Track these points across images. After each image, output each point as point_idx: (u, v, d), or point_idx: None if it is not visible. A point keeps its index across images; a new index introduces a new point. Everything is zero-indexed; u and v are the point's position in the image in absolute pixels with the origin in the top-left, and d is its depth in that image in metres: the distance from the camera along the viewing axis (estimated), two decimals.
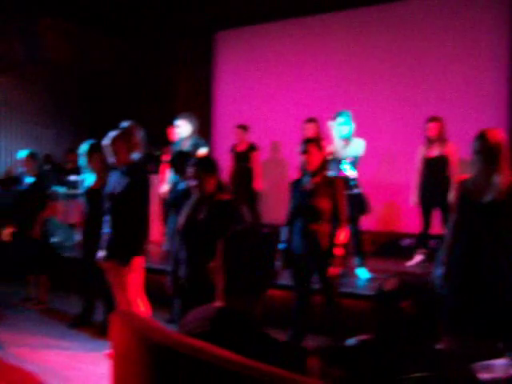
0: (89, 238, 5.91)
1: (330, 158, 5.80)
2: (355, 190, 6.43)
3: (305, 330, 5.01)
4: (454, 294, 4.03)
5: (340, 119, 6.56)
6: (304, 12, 9.59)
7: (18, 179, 8.21)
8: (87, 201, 5.95)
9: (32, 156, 6.93)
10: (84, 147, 5.87)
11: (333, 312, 4.91)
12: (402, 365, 2.05)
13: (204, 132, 8.89)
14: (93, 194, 5.87)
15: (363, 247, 6.75)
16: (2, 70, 8.35)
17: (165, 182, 7.30)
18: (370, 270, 6.69)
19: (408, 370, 2.02)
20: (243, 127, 8.52)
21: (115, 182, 4.95)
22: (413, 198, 7.14)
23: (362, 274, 6.66)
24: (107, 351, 5.26)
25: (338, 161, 6.42)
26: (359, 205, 6.48)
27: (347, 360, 2.15)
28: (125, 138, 4.91)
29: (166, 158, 7.18)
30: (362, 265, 6.70)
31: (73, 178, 9.34)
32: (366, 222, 6.99)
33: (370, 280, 6.56)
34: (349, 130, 6.55)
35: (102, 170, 5.81)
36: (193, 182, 4.18)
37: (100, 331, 5.90)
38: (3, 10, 7.34)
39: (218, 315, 2.05)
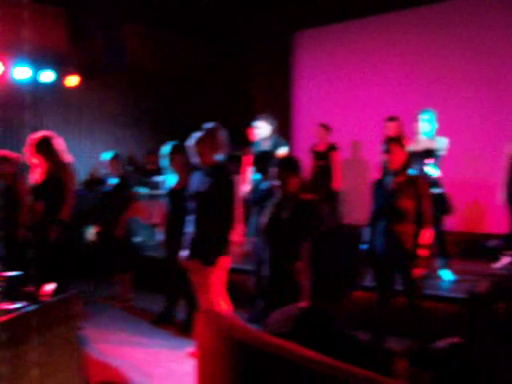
0: (171, 238, 6.01)
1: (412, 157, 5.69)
2: (437, 190, 6.28)
3: (385, 332, 4.92)
4: None
5: (423, 117, 6.43)
6: (382, 9, 9.42)
7: (102, 180, 8.44)
8: (169, 201, 6.05)
9: (116, 158, 7.10)
10: (166, 148, 5.97)
11: (415, 314, 4.80)
12: (496, 368, 1.97)
13: (283, 132, 8.87)
14: (174, 194, 5.97)
15: (447, 248, 6.58)
16: (86, 74, 8.61)
17: (246, 183, 7.34)
18: (454, 272, 6.51)
19: (502, 374, 1.94)
20: (325, 126, 8.46)
21: (199, 182, 5.00)
22: (500, 196, 6.90)
23: (446, 275, 6.49)
24: (189, 349, 5.32)
25: (420, 160, 6.29)
26: (441, 205, 6.32)
27: (437, 363, 2.08)
28: (209, 138, 4.95)
29: (247, 158, 7.22)
30: (445, 266, 6.53)
31: (154, 178, 9.51)
32: (450, 223, 6.80)
33: (453, 282, 6.39)
34: (432, 129, 6.40)
35: (184, 170, 5.89)
36: (276, 182, 4.17)
37: (182, 329, 5.99)
38: (89, 17, 7.57)
39: (303, 315, 2.03)
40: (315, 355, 1.71)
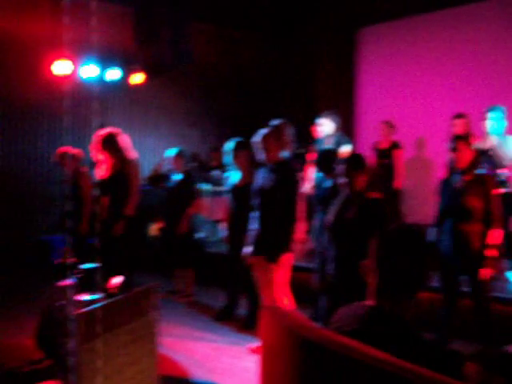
0: (234, 234, 6.05)
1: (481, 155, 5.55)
2: (506, 189, 6.11)
3: (451, 335, 4.81)
4: None
5: (492, 114, 6.26)
6: (447, 4, 9.22)
7: (165, 176, 8.56)
8: (232, 198, 6.07)
9: (180, 154, 7.16)
10: (230, 145, 6.00)
11: (482, 317, 4.68)
12: None
13: (347, 129, 8.81)
14: (238, 191, 5.99)
15: None
16: (152, 72, 8.75)
17: (309, 180, 7.30)
18: None
19: None
20: (388, 123, 8.35)
21: (264, 178, 5.01)
22: None
23: None
24: (251, 345, 5.34)
25: (488, 159, 6.13)
26: (509, 205, 6.14)
27: (510, 368, 2.02)
28: (275, 135, 4.95)
29: (311, 156, 7.19)
30: None
31: (217, 175, 9.58)
32: None
33: None
34: (501, 127, 6.23)
35: (247, 167, 5.91)
36: (342, 180, 4.13)
37: (243, 325, 6.02)
38: (155, 16, 7.68)
39: (369, 314, 2.01)
40: (382, 354, 1.69)
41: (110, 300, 1.60)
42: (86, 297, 1.92)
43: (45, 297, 2.99)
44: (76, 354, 1.42)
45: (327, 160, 5.75)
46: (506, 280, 6.29)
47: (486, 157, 6.09)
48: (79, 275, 1.87)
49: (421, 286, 2.05)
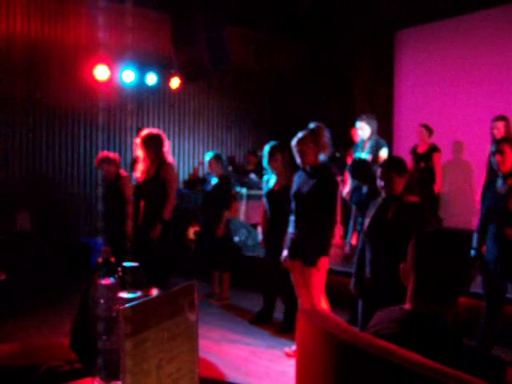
0: (270, 238, 6.05)
1: None
2: None
3: (493, 342, 4.72)
4: None
5: None
6: (487, 5, 9.07)
7: (203, 180, 8.61)
8: (268, 201, 6.07)
9: (217, 158, 7.19)
10: (266, 149, 6.00)
11: None
12: None
13: (385, 133, 8.74)
14: (274, 194, 5.99)
15: None
16: (190, 77, 8.80)
17: (347, 184, 7.27)
18: None
19: None
20: (426, 127, 8.28)
21: (302, 182, 4.99)
22: None
23: None
24: (287, 349, 5.33)
25: None
26: None
27: None
28: (313, 138, 4.94)
29: (349, 159, 7.17)
30: None
31: (254, 178, 9.60)
32: None
33: None
34: None
35: (283, 170, 5.91)
36: (381, 183, 4.09)
37: (279, 329, 6.01)
38: (191, 20, 7.74)
39: (408, 318, 1.98)
40: (422, 359, 1.66)
41: (149, 297, 1.62)
42: (126, 295, 1.94)
43: (82, 296, 3.03)
44: (118, 350, 1.44)
45: (360, 169, 5.74)
46: None
47: None
48: (120, 273, 1.90)
49: (461, 290, 2.02)
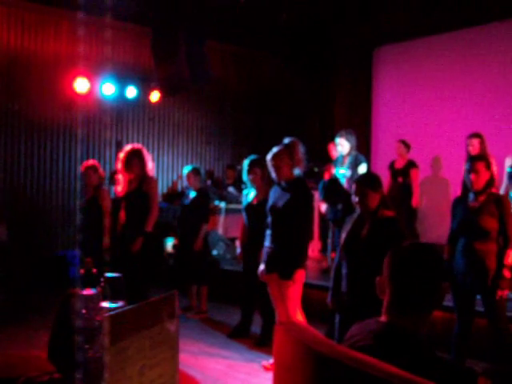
0: (248, 252, 6.07)
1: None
2: None
3: (466, 355, 4.78)
4: None
5: None
6: (463, 24, 9.23)
7: (181, 194, 8.62)
8: (247, 215, 6.10)
9: (195, 171, 7.20)
10: (245, 163, 6.04)
11: (497, 337, 4.64)
12: None
13: (363, 148, 8.83)
14: (252, 208, 6.02)
15: None
16: (170, 91, 8.84)
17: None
18: None
19: None
20: (404, 142, 8.39)
21: (277, 196, 5.05)
22: None
23: None
24: (264, 362, 5.35)
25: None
26: None
27: None
28: (288, 153, 4.99)
29: (327, 174, 7.22)
30: None
31: (233, 192, 9.63)
32: None
33: None
34: None
35: (263, 184, 5.94)
36: (355, 198, 4.14)
37: (257, 343, 6.02)
38: (172, 35, 7.78)
39: (384, 330, 2.02)
40: (397, 370, 1.70)
41: (131, 306, 1.65)
42: (108, 304, 1.96)
43: (59, 308, 3.02)
44: (101, 358, 1.48)
45: (330, 191, 5.79)
46: None
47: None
48: (102, 284, 1.92)
49: (435, 304, 2.06)
